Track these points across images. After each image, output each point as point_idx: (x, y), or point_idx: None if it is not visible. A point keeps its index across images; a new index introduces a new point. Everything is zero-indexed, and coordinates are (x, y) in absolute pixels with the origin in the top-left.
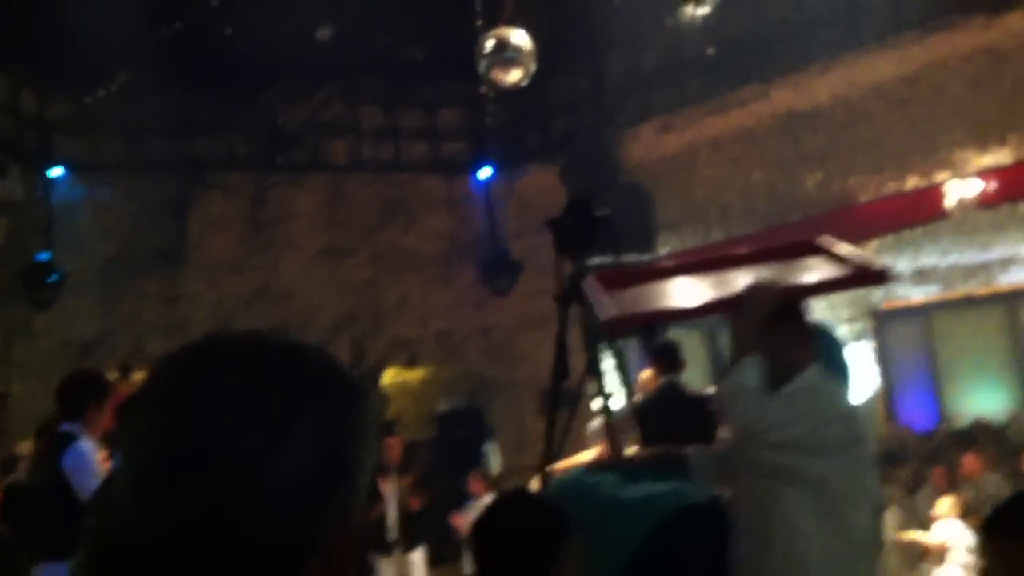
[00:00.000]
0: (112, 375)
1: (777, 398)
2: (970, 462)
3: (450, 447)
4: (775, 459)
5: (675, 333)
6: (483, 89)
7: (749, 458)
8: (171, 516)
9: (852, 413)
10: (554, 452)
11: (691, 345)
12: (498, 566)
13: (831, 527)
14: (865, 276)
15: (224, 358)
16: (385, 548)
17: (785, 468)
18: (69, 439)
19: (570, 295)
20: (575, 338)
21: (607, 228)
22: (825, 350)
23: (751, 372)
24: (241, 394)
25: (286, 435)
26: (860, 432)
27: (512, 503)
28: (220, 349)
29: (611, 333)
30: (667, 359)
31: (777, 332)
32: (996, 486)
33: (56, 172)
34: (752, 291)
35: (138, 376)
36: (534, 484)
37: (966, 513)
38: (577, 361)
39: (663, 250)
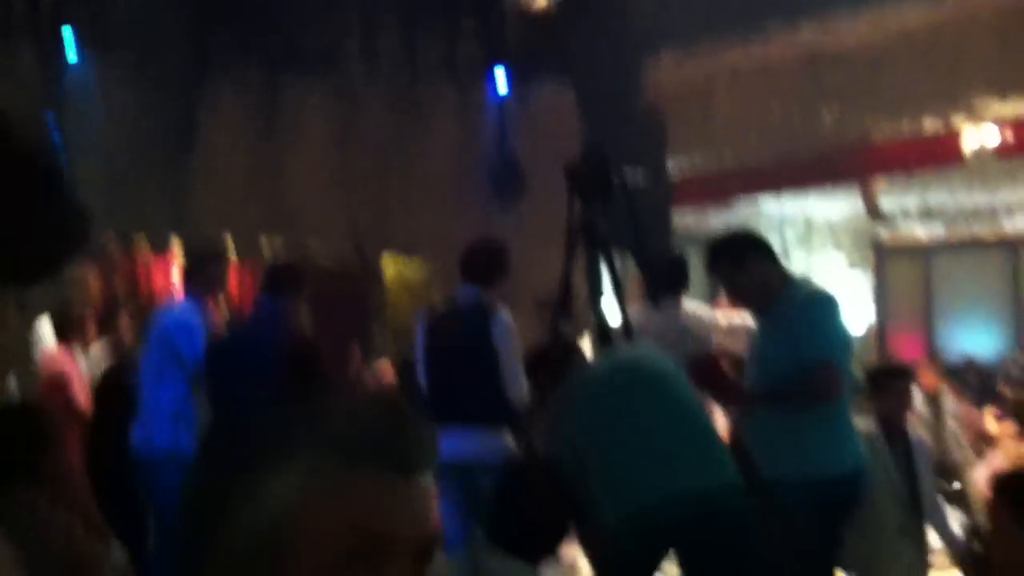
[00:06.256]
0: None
1: None
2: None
3: None
4: None
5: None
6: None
7: None
8: None
9: None
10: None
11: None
12: None
13: None
14: None
15: None
16: None
17: None
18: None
19: (577, 237)
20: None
21: (620, 175)
22: (827, 316)
23: None
24: None
25: None
26: None
27: None
28: None
29: None
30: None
31: None
32: None
33: (70, 54)
34: None
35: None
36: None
37: None
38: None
39: (676, 177)
